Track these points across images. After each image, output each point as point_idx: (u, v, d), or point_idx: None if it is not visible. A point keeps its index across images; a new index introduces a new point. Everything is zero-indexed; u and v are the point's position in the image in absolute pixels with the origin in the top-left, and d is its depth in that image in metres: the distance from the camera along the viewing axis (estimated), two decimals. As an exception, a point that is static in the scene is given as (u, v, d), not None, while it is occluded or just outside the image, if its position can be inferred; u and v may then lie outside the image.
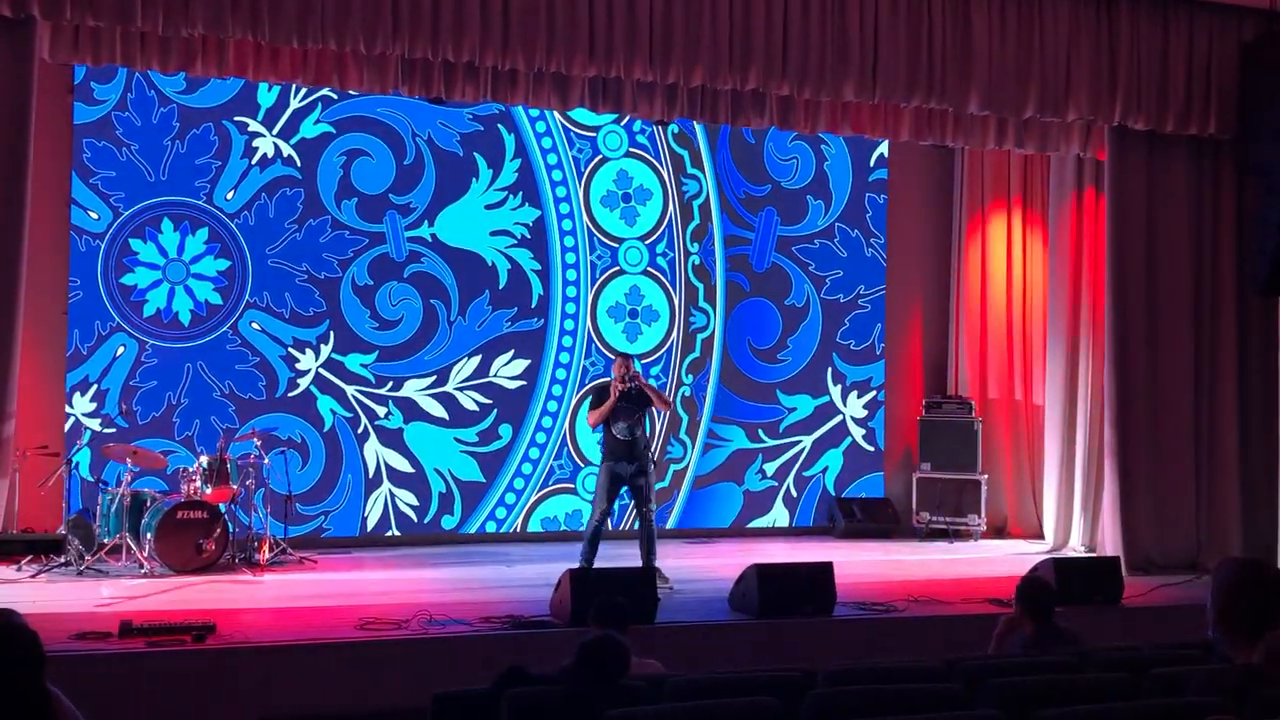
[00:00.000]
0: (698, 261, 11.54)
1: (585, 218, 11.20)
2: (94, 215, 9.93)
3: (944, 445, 11.52)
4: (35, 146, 8.12)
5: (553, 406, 11.11)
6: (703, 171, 11.55)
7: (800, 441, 11.76)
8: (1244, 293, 10.24)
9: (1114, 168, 10.12)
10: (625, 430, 8.68)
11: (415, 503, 10.66)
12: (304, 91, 10.31)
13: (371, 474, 10.57)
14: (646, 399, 8.80)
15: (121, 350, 9.99)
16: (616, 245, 11.33)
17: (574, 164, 11.20)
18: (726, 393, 11.59)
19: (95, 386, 9.91)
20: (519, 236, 10.99)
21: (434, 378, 10.74)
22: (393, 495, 10.61)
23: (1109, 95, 9.70)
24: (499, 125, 10.92)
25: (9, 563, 8.66)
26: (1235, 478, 10.22)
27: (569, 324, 11.17)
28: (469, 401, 10.82)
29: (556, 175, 11.12)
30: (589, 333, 11.24)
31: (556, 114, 11.01)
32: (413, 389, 10.68)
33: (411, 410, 10.67)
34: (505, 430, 10.92)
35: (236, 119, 10.27)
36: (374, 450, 10.57)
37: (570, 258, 11.16)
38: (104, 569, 8.61)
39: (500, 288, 10.93)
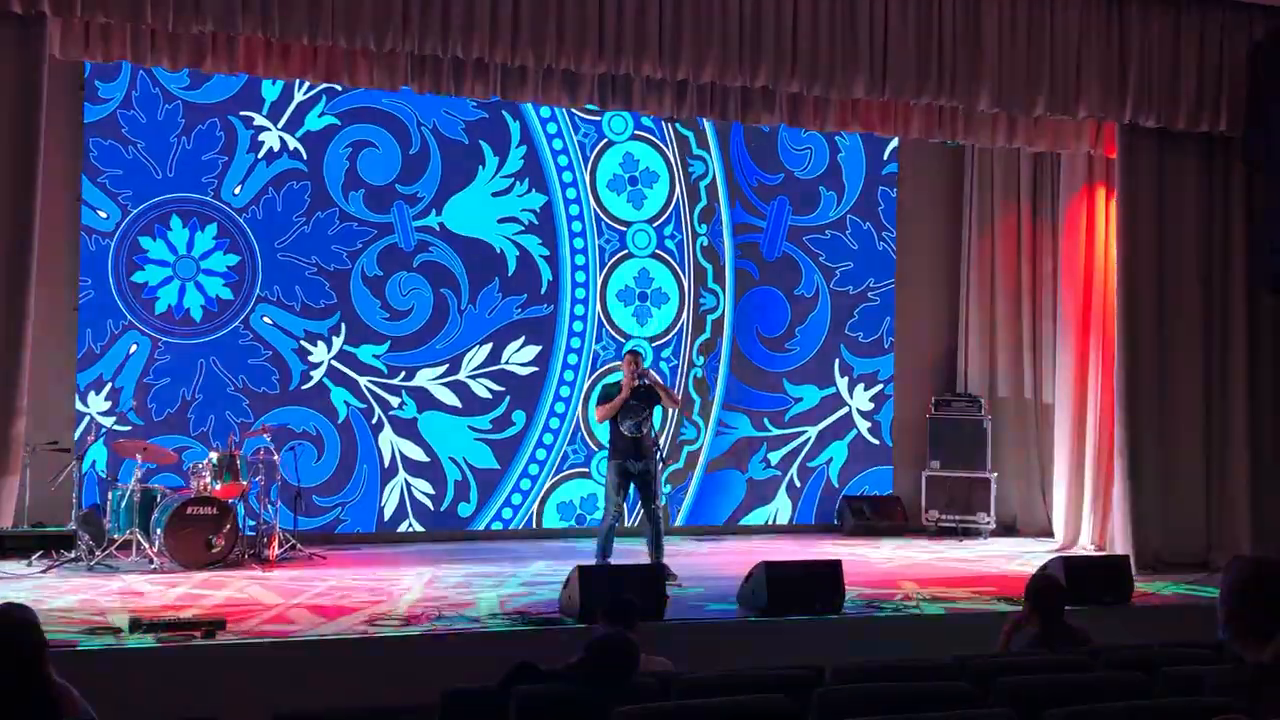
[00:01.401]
0: (706, 243, 11.52)
1: (592, 202, 11.19)
2: (103, 214, 9.94)
3: (953, 443, 11.51)
4: (45, 144, 8.14)
5: (565, 392, 11.10)
6: (709, 152, 11.52)
7: (805, 432, 11.75)
8: (1254, 290, 10.23)
9: (1124, 165, 10.10)
10: (632, 428, 8.70)
11: (431, 491, 10.67)
12: (307, 84, 10.28)
13: (387, 464, 10.58)
14: (655, 396, 8.82)
15: (134, 348, 10.00)
16: (624, 229, 11.31)
17: (579, 149, 11.18)
18: (732, 379, 11.57)
19: (109, 385, 9.92)
20: (526, 223, 10.99)
21: (446, 366, 10.74)
22: (408, 485, 10.61)
23: (1119, 93, 9.68)
24: (503, 112, 10.88)
25: (19, 558, 8.67)
26: (1245, 476, 10.19)
27: (579, 309, 11.15)
28: (481, 389, 10.83)
29: (562, 160, 11.12)
30: (599, 317, 11.22)
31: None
32: (425, 378, 10.68)
33: (425, 400, 10.68)
34: (519, 416, 10.92)
35: (242, 114, 10.27)
36: (389, 441, 10.58)
37: (578, 243, 11.15)
38: (114, 565, 8.62)
39: (509, 275, 10.92)
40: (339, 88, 10.27)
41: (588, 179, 11.19)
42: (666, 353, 11.40)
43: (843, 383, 11.85)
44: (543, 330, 11.03)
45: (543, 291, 11.03)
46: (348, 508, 10.46)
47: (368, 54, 8.51)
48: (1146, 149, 10.10)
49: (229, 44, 8.37)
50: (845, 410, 11.87)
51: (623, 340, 11.06)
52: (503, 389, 10.90)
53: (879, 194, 11.95)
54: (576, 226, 11.15)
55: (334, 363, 10.48)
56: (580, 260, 11.15)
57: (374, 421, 10.56)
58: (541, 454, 11.02)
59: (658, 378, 9.30)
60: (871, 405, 11.95)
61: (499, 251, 10.91)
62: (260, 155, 10.32)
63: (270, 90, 10.32)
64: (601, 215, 11.23)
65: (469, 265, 10.81)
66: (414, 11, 8.12)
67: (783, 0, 8.82)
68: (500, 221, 10.93)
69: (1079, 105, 9.62)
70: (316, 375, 10.44)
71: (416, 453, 10.66)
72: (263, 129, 10.33)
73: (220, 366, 10.19)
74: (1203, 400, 10.21)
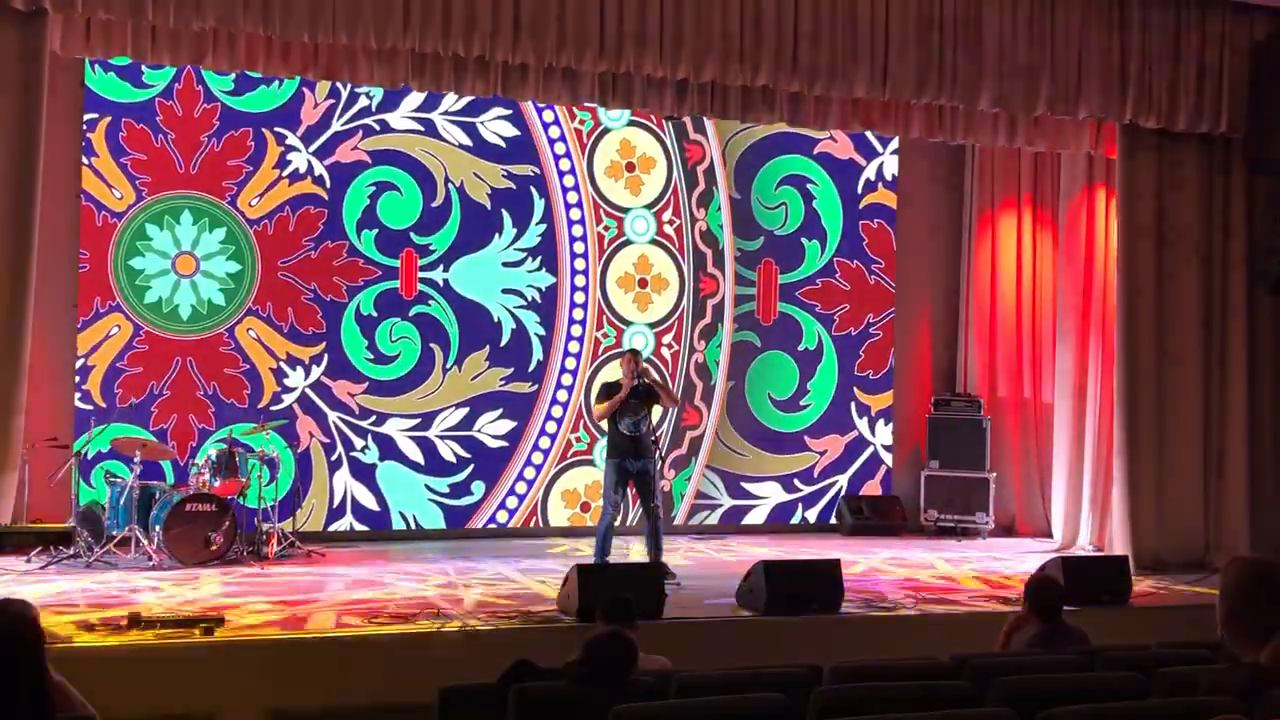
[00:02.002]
0: (705, 228, 11.50)
1: (596, 293, 11.16)
2: (117, 194, 9.93)
3: (952, 443, 11.51)
4: (45, 141, 8.14)
5: (567, 380, 11.07)
6: (705, 137, 11.46)
7: (836, 481, 11.77)
8: (1254, 291, 10.23)
9: (1124, 166, 10.10)
10: (631, 426, 8.72)
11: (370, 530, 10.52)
12: (348, 116, 10.38)
13: (335, 505, 10.42)
14: (654, 395, 8.83)
15: (115, 330, 9.96)
16: (625, 328, 11.28)
17: (598, 240, 11.15)
18: (756, 451, 11.54)
19: (82, 360, 9.86)
20: (530, 299, 10.95)
21: (418, 421, 10.62)
22: (352, 529, 10.43)
23: (1120, 93, 9.68)
24: (531, 187, 10.91)
25: (19, 554, 8.69)
26: (1244, 477, 10.19)
27: (578, 313, 11.13)
28: (447, 451, 10.70)
29: (578, 248, 11.10)
30: (599, 304, 11.18)
31: (590, 187, 11.08)
32: (394, 427, 10.57)
33: (389, 448, 10.55)
34: (478, 487, 10.79)
35: (276, 129, 10.26)
36: (344, 481, 10.45)
37: (576, 330, 11.10)
38: (113, 561, 8.62)
39: (501, 345, 10.86)
40: (376, 126, 10.41)
41: (597, 271, 11.16)
42: (668, 338, 11.39)
43: (863, 424, 11.85)
44: (521, 407, 10.93)
45: (530, 369, 10.96)
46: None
47: (368, 51, 8.50)
48: (1147, 149, 10.09)
49: (230, 41, 8.36)
50: (870, 449, 11.88)
51: (622, 325, 11.09)
52: (468, 456, 10.77)
53: (860, 230, 11.88)
54: (578, 314, 11.12)
55: (308, 390, 10.40)
56: (575, 348, 11.11)
57: (333, 458, 10.45)
58: (545, 441, 10.99)
59: (657, 377, 9.30)
60: (893, 439, 11.94)
61: (496, 320, 10.86)
62: (285, 174, 10.31)
63: (310, 113, 10.34)
64: (605, 310, 11.21)
65: (464, 327, 10.74)
66: (415, 9, 8.11)
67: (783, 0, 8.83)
68: (504, 292, 10.88)
69: (1079, 105, 9.62)
70: (288, 399, 10.35)
71: (368, 499, 10.52)
72: (293, 149, 10.32)
73: (195, 369, 10.13)
74: (1202, 401, 10.20)
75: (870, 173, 11.93)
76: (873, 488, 11.88)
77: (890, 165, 11.99)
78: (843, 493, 11.76)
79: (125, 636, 6.53)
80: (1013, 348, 11.89)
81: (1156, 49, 9.77)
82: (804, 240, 11.74)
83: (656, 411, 9.30)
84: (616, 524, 8.91)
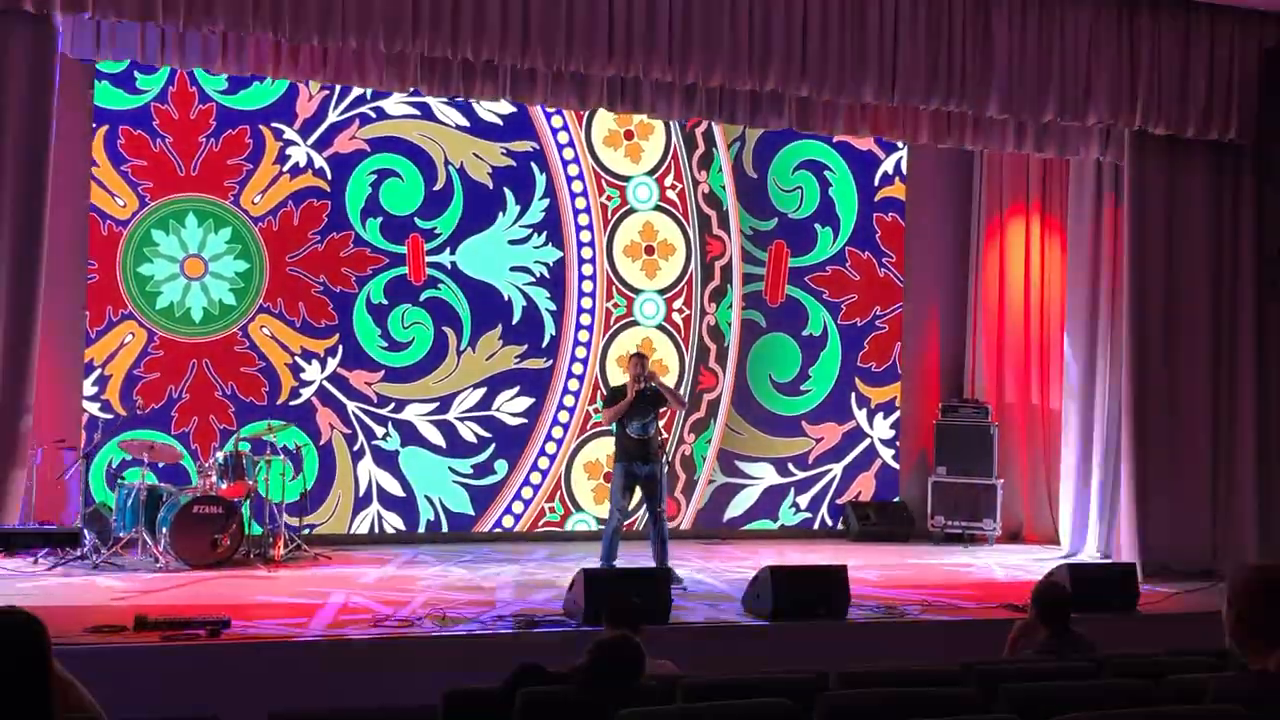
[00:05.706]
0: (707, 190, 11.49)
1: (604, 264, 11.18)
2: (121, 202, 9.95)
3: (960, 449, 11.49)
4: (55, 144, 8.16)
5: (581, 353, 11.10)
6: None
7: (830, 470, 11.75)
8: (1263, 298, 10.21)
9: (1134, 172, 10.09)
10: (639, 429, 8.72)
11: (401, 526, 10.57)
12: (343, 106, 10.40)
13: (362, 493, 10.48)
14: (661, 399, 8.82)
15: (130, 338, 10.00)
16: (624, 184, 11.27)
17: (601, 211, 11.17)
18: (752, 431, 11.54)
19: (99, 371, 9.90)
20: (538, 275, 10.97)
21: (436, 404, 10.67)
22: (380, 517, 10.52)
23: (1129, 99, 9.67)
24: (532, 163, 10.93)
25: (26, 555, 8.70)
26: (1252, 484, 10.17)
27: (587, 285, 11.13)
28: (468, 432, 10.76)
29: (583, 220, 11.11)
30: (608, 275, 11.19)
31: (590, 158, 11.09)
32: (413, 413, 10.61)
33: (410, 434, 10.61)
34: (501, 466, 10.84)
35: (274, 125, 10.29)
36: (368, 470, 10.51)
37: (586, 302, 11.13)
38: (119, 563, 8.64)
39: (513, 323, 10.90)
40: (372, 114, 10.44)
41: (603, 242, 11.17)
42: (679, 303, 11.40)
43: (861, 415, 11.84)
44: (539, 384, 10.96)
45: (544, 345, 10.99)
46: (316, 530, 10.16)
47: (377, 56, 8.52)
48: (1156, 156, 10.08)
49: (239, 44, 8.38)
50: (867, 442, 11.87)
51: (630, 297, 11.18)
52: (489, 435, 10.81)
53: (874, 222, 11.90)
54: (587, 286, 11.14)
55: (325, 383, 10.44)
56: (586, 320, 11.13)
57: (355, 448, 10.49)
58: (564, 415, 11.03)
59: (663, 379, 9.30)
60: (892, 432, 11.95)
61: (506, 299, 10.89)
62: (285, 169, 10.33)
63: (305, 106, 10.35)
64: (614, 280, 11.23)
65: (474, 308, 10.77)
66: (424, 14, 8.13)
67: (792, 4, 8.82)
68: (512, 270, 10.91)
69: (1089, 111, 9.61)
70: (306, 393, 10.39)
71: (393, 486, 10.57)
72: (291, 143, 10.34)
73: (212, 370, 10.16)
74: (1210, 408, 10.18)
75: (889, 166, 11.95)
76: (866, 480, 11.85)
77: (907, 162, 12.02)
78: (835, 481, 11.74)
79: (131, 638, 6.54)
80: (1021, 354, 11.87)
81: (1166, 56, 9.76)
82: (817, 226, 11.77)
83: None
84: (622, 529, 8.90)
